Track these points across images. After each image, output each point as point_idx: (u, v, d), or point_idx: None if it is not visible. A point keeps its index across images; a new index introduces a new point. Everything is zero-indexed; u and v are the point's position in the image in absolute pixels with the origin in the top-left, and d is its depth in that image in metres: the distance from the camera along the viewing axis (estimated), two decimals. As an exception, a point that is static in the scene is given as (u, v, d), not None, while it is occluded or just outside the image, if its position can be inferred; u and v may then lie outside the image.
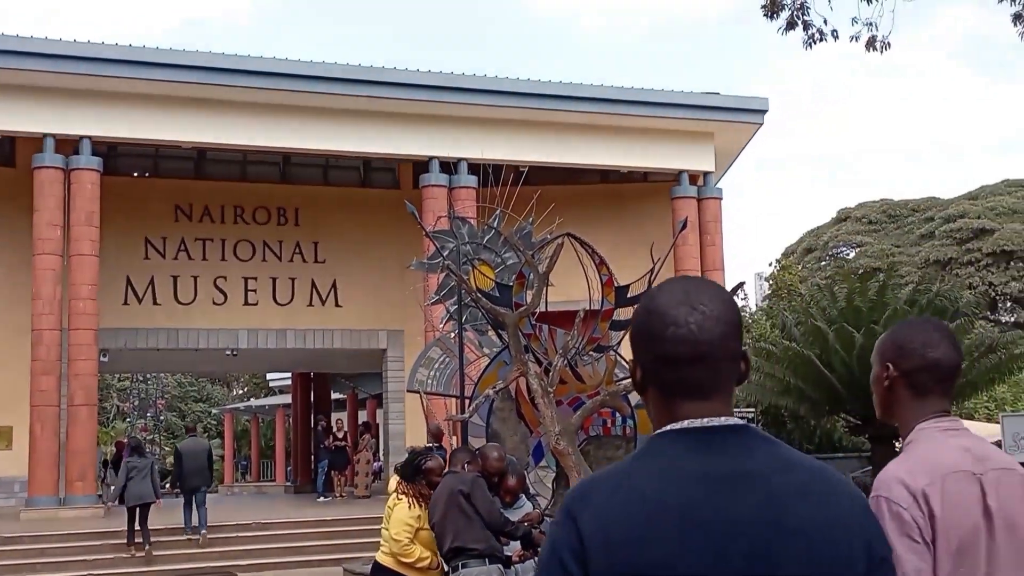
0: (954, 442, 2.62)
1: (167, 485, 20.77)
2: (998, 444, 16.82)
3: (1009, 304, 38.39)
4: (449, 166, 22.16)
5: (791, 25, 12.08)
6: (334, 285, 24.51)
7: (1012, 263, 37.57)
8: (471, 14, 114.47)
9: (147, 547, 16.31)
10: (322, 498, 24.04)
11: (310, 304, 24.37)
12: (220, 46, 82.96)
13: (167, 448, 52.06)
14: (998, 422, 17.90)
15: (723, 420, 1.73)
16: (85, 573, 15.43)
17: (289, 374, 35.58)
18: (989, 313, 35.78)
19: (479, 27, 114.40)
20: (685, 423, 1.72)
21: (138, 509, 16.41)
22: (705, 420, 1.72)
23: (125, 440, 23.86)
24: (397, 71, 21.86)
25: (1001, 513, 2.50)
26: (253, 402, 49.75)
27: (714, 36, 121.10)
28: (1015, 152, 76.33)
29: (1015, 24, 12.07)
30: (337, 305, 24.46)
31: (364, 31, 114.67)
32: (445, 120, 22.38)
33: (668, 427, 1.74)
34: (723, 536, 1.61)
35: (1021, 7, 11.95)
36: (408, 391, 16.09)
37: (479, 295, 11.44)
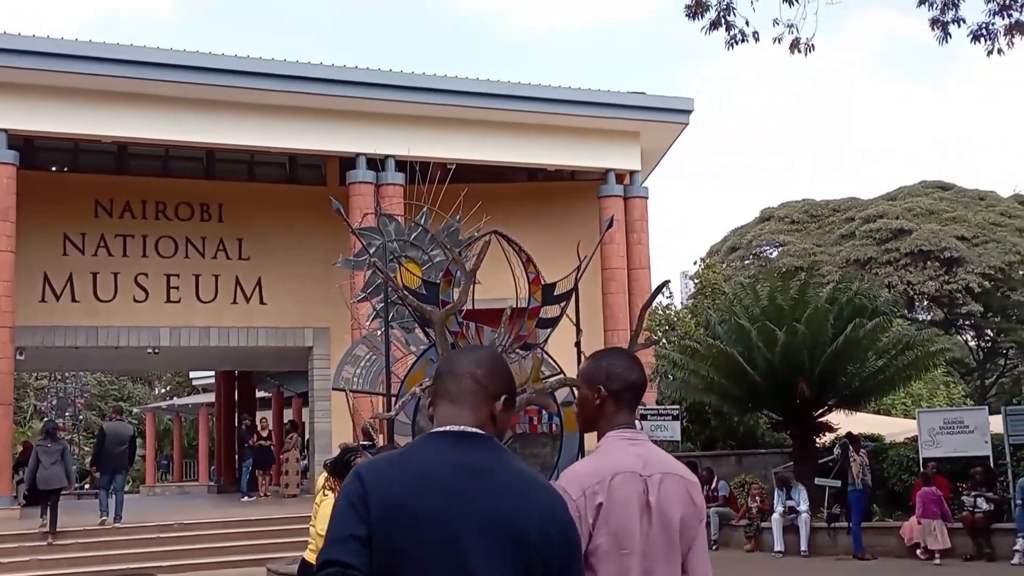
0: (632, 449, 3.29)
1: (92, 469, 20.81)
2: (914, 439, 17.28)
3: (926, 303, 39.28)
4: (376, 163, 22.05)
5: (714, 25, 12.26)
6: (259, 282, 24.23)
7: (929, 263, 38.40)
8: (399, 10, 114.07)
9: (50, 537, 16.32)
10: (246, 498, 23.86)
11: (234, 302, 24.07)
12: (141, 38, 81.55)
13: (86, 448, 51.41)
14: (914, 418, 18.32)
15: (472, 429, 2.51)
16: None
17: (213, 372, 35.18)
18: (907, 311, 36.60)
19: (407, 24, 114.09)
20: (445, 427, 2.53)
21: (51, 495, 16.44)
22: (458, 427, 2.51)
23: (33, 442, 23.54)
24: (324, 67, 21.70)
25: (659, 508, 3.20)
26: (176, 401, 49.24)
27: (647, 36, 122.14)
28: (932, 153, 78.23)
29: (933, 28, 12.38)
30: (262, 303, 24.20)
31: (290, 26, 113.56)
32: (372, 117, 22.28)
33: (436, 429, 2.57)
34: (455, 496, 2.36)
35: (939, 12, 12.27)
36: (334, 389, 16.04)
37: (406, 293, 11.43)
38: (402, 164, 20.94)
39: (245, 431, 27.17)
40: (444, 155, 19.83)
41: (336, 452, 8.79)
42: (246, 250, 24.27)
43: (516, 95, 23.11)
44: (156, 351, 24.56)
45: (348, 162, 22.66)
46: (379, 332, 12.61)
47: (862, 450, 16.96)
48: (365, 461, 2.95)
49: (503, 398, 2.59)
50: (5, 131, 19.88)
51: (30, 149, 21.48)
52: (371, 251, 11.98)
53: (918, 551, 15.38)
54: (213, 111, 21.23)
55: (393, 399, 11.71)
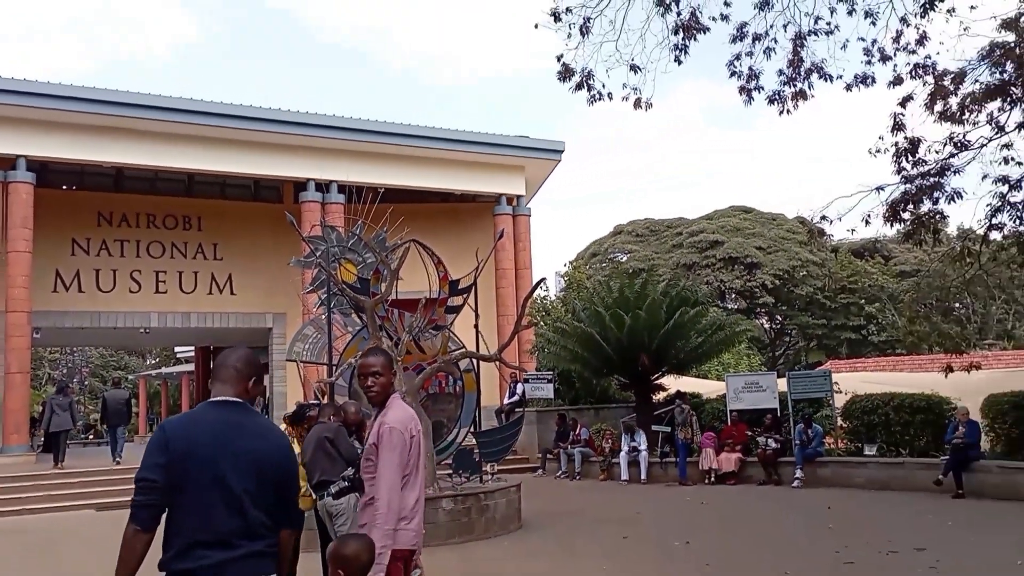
0: (408, 407, 4.25)
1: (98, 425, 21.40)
2: (724, 396, 17.64)
3: (734, 295, 40.26)
4: (322, 186, 21.85)
5: (579, 87, 12.37)
6: (230, 278, 23.81)
7: (736, 266, 39.42)
8: (342, 66, 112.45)
9: (61, 462, 17.00)
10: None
11: (210, 293, 23.62)
12: (136, 84, 78.89)
13: (90, 407, 50.03)
14: (724, 380, 18.74)
15: (233, 399, 3.16)
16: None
17: (193, 347, 34.31)
18: (719, 302, 37.48)
19: (348, 77, 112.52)
20: (220, 396, 3.16)
21: (61, 436, 17.37)
22: (225, 398, 3.16)
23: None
24: (281, 111, 21.40)
25: (419, 439, 4.18)
26: (163, 370, 48.02)
27: (535, 88, 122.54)
28: (740, 184, 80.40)
29: (740, 94, 12.70)
30: (232, 293, 23.78)
31: (263, 79, 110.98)
32: (320, 151, 21.99)
33: (211, 399, 3.18)
34: (231, 446, 3.02)
35: (744, 82, 12.60)
36: (287, 360, 15.78)
37: (344, 286, 11.31)
38: (343, 187, 20.84)
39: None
40: (375, 181, 19.69)
41: (293, 408, 8.66)
42: (220, 252, 23.81)
43: (431, 136, 23.06)
44: (147, 331, 23.92)
45: (301, 185, 22.32)
46: (323, 316, 12.45)
47: (687, 404, 17.31)
48: (168, 418, 3.38)
49: (252, 379, 3.23)
50: (25, 157, 19.21)
51: (45, 171, 20.67)
52: (317, 254, 11.82)
53: (713, 476, 15.81)
54: (193, 144, 20.71)
55: (334, 368, 11.59)
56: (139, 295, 22.85)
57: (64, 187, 22.62)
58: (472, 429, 12.55)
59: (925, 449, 14.25)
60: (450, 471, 11.96)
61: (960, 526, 10.39)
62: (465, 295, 12.19)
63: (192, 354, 36.36)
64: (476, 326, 12.58)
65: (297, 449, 7.22)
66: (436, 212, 24.23)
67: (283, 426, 7.94)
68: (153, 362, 58.06)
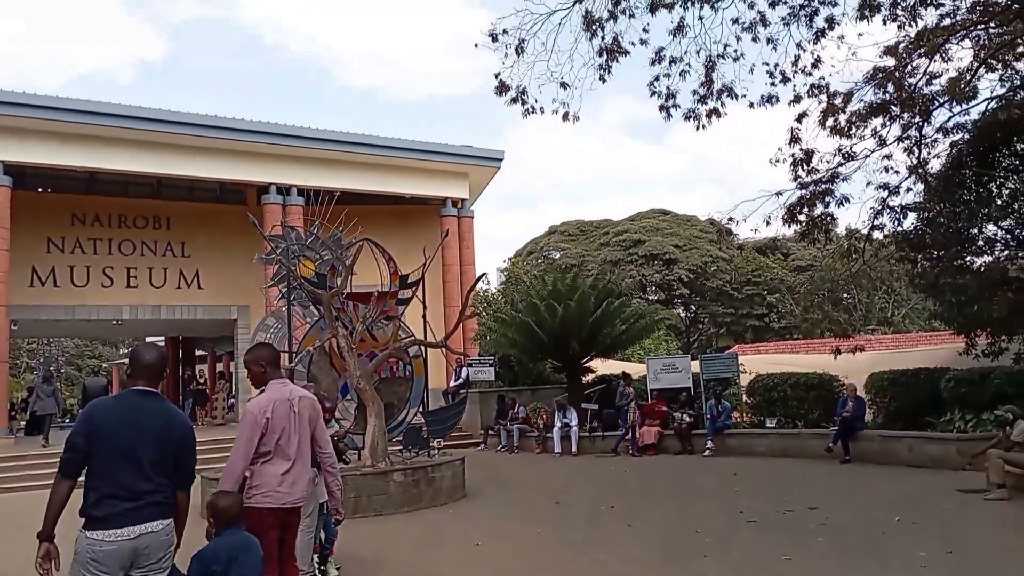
0: (283, 389, 4.67)
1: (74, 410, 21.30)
2: (645, 377, 17.84)
3: (654, 288, 40.80)
4: (283, 190, 21.47)
5: (514, 101, 12.39)
6: (197, 273, 23.19)
7: (655, 262, 39.93)
8: (304, 81, 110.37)
9: (46, 441, 16.92)
10: (188, 427, 22.88)
11: (178, 287, 22.97)
12: (107, 95, 76.37)
13: (66, 393, 48.54)
14: (645, 363, 18.98)
15: (148, 389, 3.73)
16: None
17: (163, 337, 33.43)
18: (641, 294, 37.93)
19: (310, 90, 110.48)
20: (138, 386, 3.70)
21: (46, 419, 17.51)
22: (142, 388, 3.71)
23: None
24: (245, 120, 20.93)
25: (299, 411, 4.63)
26: (135, 358, 46.60)
27: (483, 102, 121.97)
28: (659, 188, 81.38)
29: (660, 111, 12.87)
30: (199, 288, 23.17)
31: (229, 92, 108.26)
32: (281, 157, 21.58)
33: (132, 388, 3.70)
34: (140, 424, 3.59)
35: (663, 100, 12.77)
36: (251, 349, 15.46)
37: (303, 281, 11.15)
38: (302, 191, 20.53)
39: (187, 379, 26.81)
40: (332, 185, 19.32)
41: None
42: (187, 250, 23.17)
43: (383, 144, 22.84)
44: (119, 322, 23.21)
45: (263, 188, 21.85)
46: (284, 308, 12.24)
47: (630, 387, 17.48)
48: (98, 399, 3.88)
49: (164, 372, 3.82)
50: (3, 162, 18.45)
51: (22, 175, 19.88)
52: (278, 251, 11.61)
53: (636, 448, 16.02)
54: (162, 150, 20.12)
55: (294, 355, 11.42)
56: (111, 289, 22.15)
57: (40, 190, 21.80)
58: (421, 409, 12.49)
59: (818, 421, 14.64)
60: (401, 447, 11.90)
61: (847, 487, 10.72)
62: (414, 288, 12.11)
63: (163, 343, 35.44)
64: (424, 316, 12.51)
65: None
66: (387, 214, 23.98)
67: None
68: (125, 351, 56.41)
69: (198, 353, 35.12)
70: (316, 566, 6.83)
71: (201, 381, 25.68)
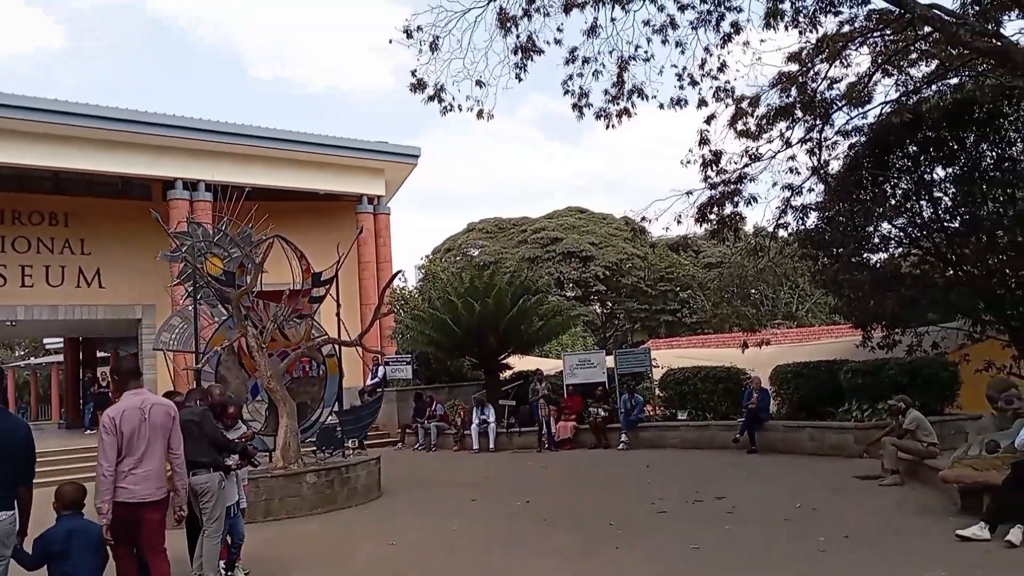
0: (137, 397, 5.32)
1: None
2: (561, 372, 18.01)
3: (571, 285, 41.18)
4: (190, 185, 20.72)
5: (431, 99, 12.32)
6: (98, 271, 22.05)
7: (572, 259, 40.38)
8: (214, 74, 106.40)
9: None
10: (88, 431, 21.82)
11: (78, 286, 21.81)
12: (2, 86, 71.97)
13: (-45, 399, 45.69)
14: (562, 358, 19.13)
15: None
16: None
17: (62, 339, 31.84)
18: (559, 291, 38.28)
19: (221, 83, 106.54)
20: None
21: None
22: None
23: None
24: (148, 112, 20.05)
25: (151, 418, 5.25)
26: (32, 360, 44.37)
27: (402, 100, 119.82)
28: (576, 187, 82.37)
29: (573, 110, 13.02)
30: (101, 287, 22.04)
31: (136, 84, 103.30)
32: (187, 151, 20.79)
33: None
34: None
35: (576, 99, 12.93)
36: (154, 350, 14.91)
37: (210, 279, 10.80)
38: (211, 186, 19.80)
39: (88, 382, 25.61)
40: (242, 180, 18.59)
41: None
42: (87, 247, 22.01)
43: (296, 139, 22.31)
44: (13, 323, 21.96)
45: (169, 183, 21.01)
46: (190, 307, 11.82)
47: (542, 381, 17.60)
48: None
49: (4, 383, 4.59)
50: None
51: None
52: (184, 249, 11.21)
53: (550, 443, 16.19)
54: (60, 143, 19.07)
55: (201, 355, 11.05)
56: (5, 289, 20.86)
57: (-74, 185, 20.42)
58: (335, 409, 12.29)
59: (726, 413, 15.08)
60: (314, 448, 11.68)
61: (753, 476, 11.09)
62: (327, 286, 11.90)
63: (62, 345, 33.77)
64: (338, 314, 12.32)
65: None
66: (301, 210, 23.44)
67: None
68: (21, 353, 53.53)
69: (100, 355, 33.55)
70: (223, 572, 6.64)
71: (104, 384, 24.45)
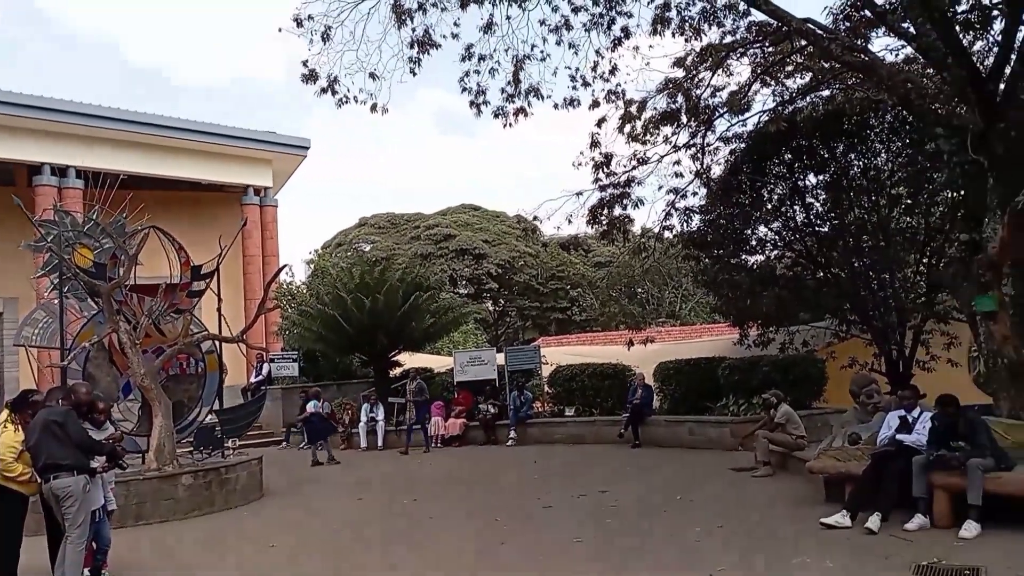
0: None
1: None
2: (452, 370, 17.94)
3: (464, 282, 41.14)
4: (58, 171, 19.44)
5: (324, 90, 12.04)
6: (-47, 262, 20.43)
7: (465, 257, 40.38)
8: (90, 57, 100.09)
9: None
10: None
11: (-69, 277, 20.14)
12: None
13: None
14: (452, 356, 19.07)
15: None
16: None
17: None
18: (452, 288, 38.16)
19: (97, 67, 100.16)
20: None
21: None
22: None
23: None
24: (11, 92, 18.73)
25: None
26: None
27: (294, 91, 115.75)
28: (470, 184, 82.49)
29: (471, 107, 13.02)
30: (-44, 278, 20.44)
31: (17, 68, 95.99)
32: (55, 135, 19.53)
33: None
34: None
35: (473, 97, 12.92)
36: (15, 345, 13.93)
37: (79, 270, 10.17)
38: (82, 173, 18.67)
39: None
40: (117, 168, 17.75)
41: (18, 394, 7.59)
42: (-58, 236, 20.31)
43: (175, 126, 21.36)
44: None
45: (35, 169, 19.69)
46: (56, 301, 11.09)
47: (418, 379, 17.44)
48: None
49: None
50: None
51: None
52: (49, 238, 10.49)
53: (439, 441, 16.14)
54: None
55: (67, 352, 10.38)
56: None
57: None
58: (215, 407, 11.81)
59: (612, 408, 15.43)
60: (192, 448, 11.19)
61: (636, 470, 11.39)
62: (208, 280, 11.42)
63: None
64: (219, 309, 11.84)
65: (20, 437, 6.38)
66: (182, 200, 22.48)
67: (4, 414, 6.95)
68: None
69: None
70: (88, 580, 6.28)
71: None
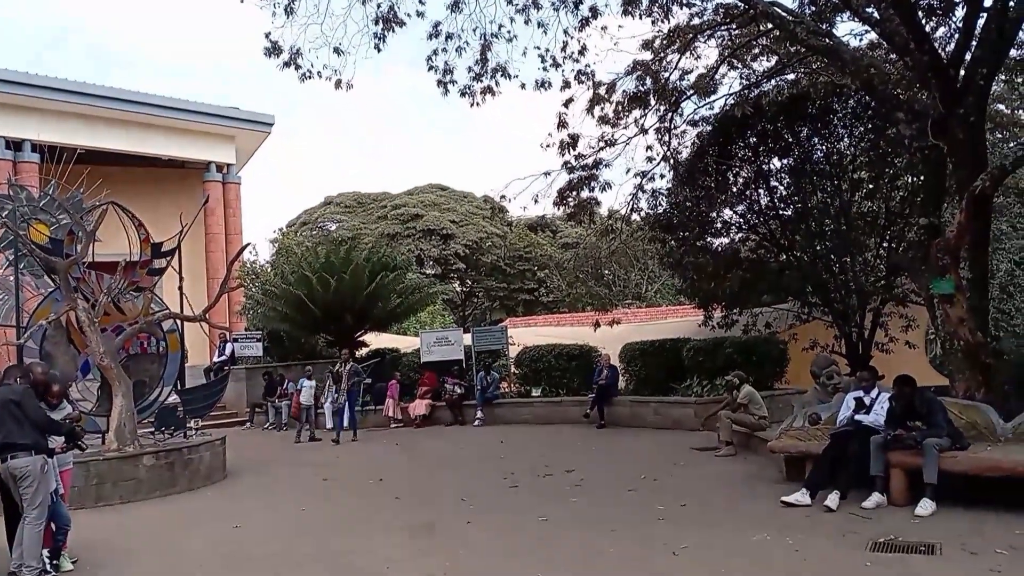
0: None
1: None
2: (419, 350, 17.90)
3: (431, 263, 40.99)
4: (13, 144, 18.90)
5: (287, 64, 11.82)
6: (-98, 237, 19.81)
7: (433, 237, 40.19)
8: (49, 31, 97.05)
9: None
10: None
11: None
12: None
13: None
14: (419, 336, 19.04)
15: None
16: None
17: None
18: (419, 268, 37.97)
19: (58, 43, 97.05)
20: None
21: None
22: None
23: None
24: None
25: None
26: None
27: (260, 65, 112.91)
28: (437, 163, 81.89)
29: (438, 86, 12.88)
30: (-94, 254, 19.83)
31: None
32: (11, 107, 18.98)
33: None
34: None
35: (442, 75, 12.78)
36: (-32, 324, 13.57)
37: (34, 247, 9.90)
38: (38, 146, 18.21)
39: None
40: (75, 142, 17.32)
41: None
42: None
43: (134, 100, 20.86)
44: None
45: (-11, 142, 19.14)
46: (11, 278, 10.80)
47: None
48: None
49: None
50: None
51: None
52: (4, 214, 10.20)
53: (415, 422, 16.15)
54: None
55: (23, 330, 10.14)
56: None
57: None
58: (177, 387, 11.65)
59: (578, 389, 15.54)
60: (153, 428, 11.03)
61: (601, 450, 11.49)
62: (169, 258, 11.21)
63: None
64: (180, 288, 11.64)
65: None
66: (142, 176, 22.00)
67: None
68: None
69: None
70: (47, 561, 6.18)
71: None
